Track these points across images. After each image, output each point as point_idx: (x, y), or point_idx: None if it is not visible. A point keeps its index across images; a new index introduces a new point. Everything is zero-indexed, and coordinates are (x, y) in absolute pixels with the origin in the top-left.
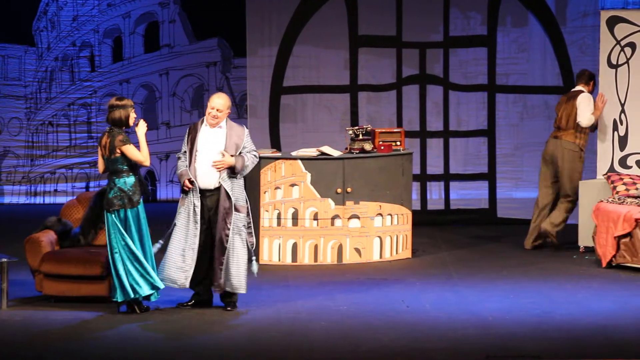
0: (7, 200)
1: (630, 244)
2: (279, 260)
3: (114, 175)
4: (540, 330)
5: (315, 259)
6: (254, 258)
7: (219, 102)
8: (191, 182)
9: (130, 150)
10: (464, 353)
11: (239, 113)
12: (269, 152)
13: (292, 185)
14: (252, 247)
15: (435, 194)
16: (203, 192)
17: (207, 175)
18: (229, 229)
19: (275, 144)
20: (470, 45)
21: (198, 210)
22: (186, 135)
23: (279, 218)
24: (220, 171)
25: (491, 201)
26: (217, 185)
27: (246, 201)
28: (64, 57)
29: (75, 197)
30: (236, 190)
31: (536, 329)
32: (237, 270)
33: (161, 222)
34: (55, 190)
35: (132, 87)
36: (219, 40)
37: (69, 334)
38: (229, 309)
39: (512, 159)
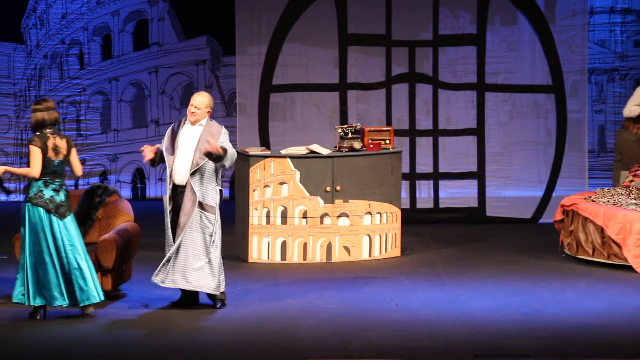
0: None
1: (565, 231)
2: (268, 258)
3: (63, 177)
4: (529, 329)
5: (305, 257)
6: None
7: (198, 99)
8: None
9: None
10: (452, 352)
11: (228, 111)
12: (258, 150)
13: (281, 183)
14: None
15: (424, 193)
16: (177, 188)
17: (181, 172)
18: (186, 226)
19: (265, 142)
20: (460, 43)
21: (168, 206)
22: (166, 133)
23: (268, 216)
24: (192, 167)
25: (480, 200)
26: (186, 181)
27: (216, 204)
28: (53, 54)
29: None
30: (205, 190)
31: (525, 327)
32: (200, 269)
33: (150, 220)
34: None
35: (121, 85)
36: (208, 38)
37: (58, 332)
38: (218, 306)
39: (501, 157)
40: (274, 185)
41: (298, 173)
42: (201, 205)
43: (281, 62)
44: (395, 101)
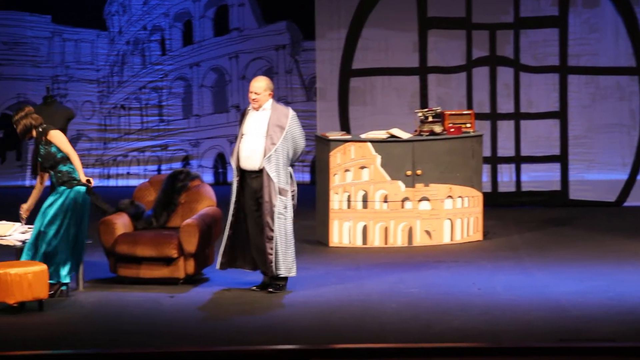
0: None
1: None
2: (349, 242)
3: None
4: (614, 313)
5: (386, 242)
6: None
7: (256, 85)
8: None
9: None
10: (536, 336)
11: (308, 96)
12: (338, 135)
13: (362, 167)
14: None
15: (506, 176)
16: (248, 174)
17: (251, 157)
18: (274, 214)
19: (345, 126)
20: (541, 26)
21: (235, 192)
22: (239, 121)
23: (349, 200)
24: (266, 152)
25: (563, 183)
26: (261, 167)
27: (291, 184)
28: (135, 41)
29: (147, 180)
30: (281, 174)
31: (610, 312)
32: (284, 255)
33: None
34: (128, 173)
35: (202, 71)
36: (288, 23)
37: (142, 315)
38: (278, 289)
39: (584, 140)
40: (355, 170)
41: (379, 157)
42: (279, 191)
43: (361, 47)
44: (476, 84)
